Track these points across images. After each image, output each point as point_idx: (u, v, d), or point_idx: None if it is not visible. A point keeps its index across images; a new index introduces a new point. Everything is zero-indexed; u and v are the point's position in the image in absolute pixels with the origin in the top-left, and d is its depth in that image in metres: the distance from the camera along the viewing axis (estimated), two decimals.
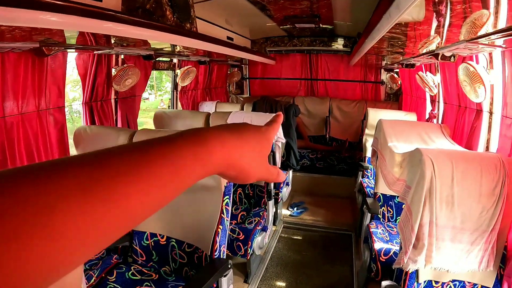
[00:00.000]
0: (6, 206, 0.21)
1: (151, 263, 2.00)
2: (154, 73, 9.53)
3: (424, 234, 1.61)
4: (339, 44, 5.12)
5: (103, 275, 1.87)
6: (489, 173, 1.56)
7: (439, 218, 1.60)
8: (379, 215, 2.68)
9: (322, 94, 5.56)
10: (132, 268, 1.94)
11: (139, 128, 2.95)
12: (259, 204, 2.87)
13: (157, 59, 3.22)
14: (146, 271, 1.94)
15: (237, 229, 2.44)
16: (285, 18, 3.69)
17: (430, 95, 3.38)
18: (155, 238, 1.98)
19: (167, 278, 1.91)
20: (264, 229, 2.72)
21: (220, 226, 1.78)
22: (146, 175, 0.28)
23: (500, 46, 1.72)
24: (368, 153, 3.74)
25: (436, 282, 1.69)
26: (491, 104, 2.21)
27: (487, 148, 2.30)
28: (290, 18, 3.68)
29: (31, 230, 0.21)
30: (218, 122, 2.97)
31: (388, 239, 2.41)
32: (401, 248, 1.77)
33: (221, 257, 1.85)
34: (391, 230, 2.55)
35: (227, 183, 1.77)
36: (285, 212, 4.09)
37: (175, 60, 3.82)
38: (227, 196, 1.80)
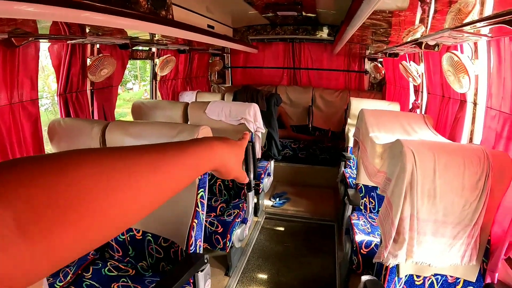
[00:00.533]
0: (117, 170, 0.33)
1: (128, 258, 1.93)
2: (138, 63, 9.30)
3: (404, 228, 1.56)
4: (323, 33, 5.04)
5: (80, 271, 1.80)
6: (472, 166, 1.53)
7: (421, 212, 1.55)
8: (360, 207, 2.65)
9: (305, 84, 5.50)
10: (108, 264, 1.88)
11: (122, 119, 2.84)
12: (238, 196, 2.80)
13: (133, 48, 3.08)
14: (122, 267, 1.87)
15: (216, 222, 2.37)
16: (266, 5, 3.58)
17: (414, 85, 3.35)
18: (131, 233, 1.90)
19: (144, 274, 1.85)
20: (244, 221, 2.67)
21: (195, 220, 1.71)
22: (181, 163, 0.42)
23: (485, 35, 1.67)
24: (351, 143, 3.70)
25: (418, 277, 1.66)
26: (475, 95, 2.18)
27: (471, 139, 2.27)
28: (271, 5, 3.58)
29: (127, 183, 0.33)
30: (197, 112, 2.87)
31: (369, 231, 2.38)
32: (381, 242, 1.73)
33: (197, 251, 1.78)
34: (373, 221, 2.53)
35: (201, 175, 1.69)
36: (267, 202, 4.04)
37: (153, 49, 3.68)
38: (202, 189, 1.72)
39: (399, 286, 1.64)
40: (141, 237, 1.88)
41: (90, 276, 1.78)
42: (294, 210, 3.92)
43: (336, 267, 2.88)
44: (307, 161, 4.70)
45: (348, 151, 3.70)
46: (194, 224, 1.70)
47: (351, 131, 3.75)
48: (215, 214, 2.55)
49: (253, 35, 5.21)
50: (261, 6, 3.63)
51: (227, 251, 2.39)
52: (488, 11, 1.28)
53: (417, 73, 3.01)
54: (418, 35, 2.12)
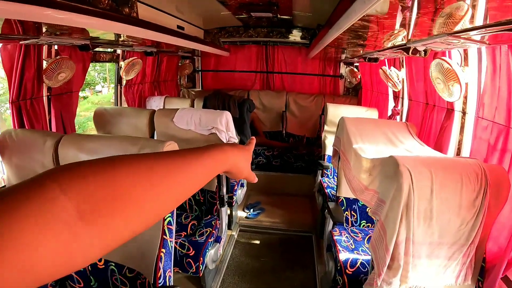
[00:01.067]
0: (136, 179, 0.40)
1: None
2: (108, 65, 8.90)
3: (400, 254, 1.41)
4: (297, 36, 4.91)
5: None
6: (469, 183, 1.39)
7: (416, 235, 1.41)
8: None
9: (278, 88, 5.34)
10: None
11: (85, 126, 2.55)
12: (211, 212, 2.57)
13: (96, 50, 2.80)
14: None
15: (187, 244, 2.14)
16: (240, 5, 3.39)
17: (394, 91, 3.24)
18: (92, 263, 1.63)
19: None
20: (218, 240, 2.45)
21: (163, 250, 1.48)
22: (200, 165, 0.50)
23: (483, 42, 1.54)
24: (328, 151, 3.57)
25: None
26: (465, 103, 2.07)
27: (459, 149, 2.16)
28: (246, 6, 3.39)
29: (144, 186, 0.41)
30: (164, 120, 2.62)
31: (353, 247, 2.23)
32: (372, 267, 1.57)
33: (167, 283, 1.55)
34: (356, 236, 2.38)
35: None
36: (240, 214, 3.83)
37: (118, 51, 3.40)
38: (169, 214, 1.50)
39: None
40: (103, 266, 1.63)
41: None
42: (270, 221, 3.73)
43: (317, 282, 2.72)
44: (282, 169, 4.52)
45: (325, 160, 3.56)
46: (162, 254, 1.47)
47: (328, 139, 3.62)
48: (185, 233, 2.31)
49: (225, 37, 5.03)
50: (235, 7, 3.43)
51: (200, 275, 2.16)
52: (480, 16, 1.20)
53: (398, 79, 2.90)
54: (399, 40, 1.99)
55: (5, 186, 1.93)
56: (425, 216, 1.39)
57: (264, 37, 4.99)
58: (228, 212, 2.80)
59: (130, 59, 3.32)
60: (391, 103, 3.52)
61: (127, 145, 1.45)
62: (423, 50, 2.01)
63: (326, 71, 5.15)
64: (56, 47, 2.48)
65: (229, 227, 3.36)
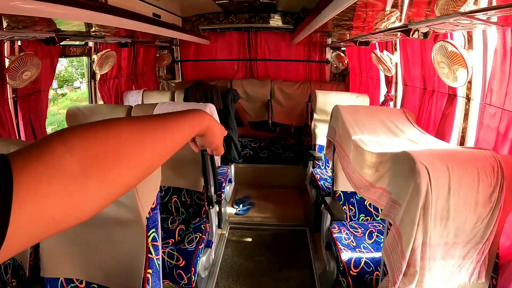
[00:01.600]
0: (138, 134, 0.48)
1: None
2: (85, 60, 8.49)
3: (416, 259, 1.27)
4: (280, 21, 4.70)
5: None
6: (486, 177, 1.26)
7: (432, 237, 1.27)
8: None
9: (262, 76, 5.12)
10: None
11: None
12: (199, 214, 2.38)
13: (64, 44, 2.53)
14: None
15: (176, 253, 1.95)
16: None
17: (386, 76, 3.09)
18: (72, 284, 1.42)
19: None
20: (209, 244, 2.27)
21: (149, 270, 1.29)
22: (177, 127, 0.57)
23: (496, 23, 1.39)
24: (319, 141, 3.41)
25: None
26: (469, 89, 1.92)
27: (463, 138, 2.03)
28: None
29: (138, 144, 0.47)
30: None
31: (354, 244, 2.10)
32: (384, 273, 1.44)
33: None
34: (355, 231, 2.25)
35: (150, 212, 1.27)
36: (230, 210, 3.66)
37: (90, 44, 3.12)
38: (153, 229, 1.31)
39: None
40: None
41: None
42: (261, 216, 3.58)
43: (316, 281, 2.59)
44: (270, 161, 4.34)
45: (316, 150, 3.40)
46: (149, 275, 1.28)
47: (317, 127, 3.46)
48: (173, 240, 2.12)
49: (205, 25, 4.78)
50: None
51: (193, 286, 1.98)
52: None
53: (391, 63, 2.74)
54: (398, 21, 1.83)
55: None
56: (442, 216, 1.26)
57: (245, 23, 4.76)
58: (217, 209, 2.63)
59: (104, 51, 3.05)
60: (382, 89, 3.37)
61: None
62: (423, 32, 1.85)
63: (311, 57, 4.95)
64: (19, 42, 2.22)
65: (219, 225, 3.18)
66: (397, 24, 1.87)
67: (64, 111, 2.61)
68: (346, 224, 2.32)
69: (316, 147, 3.42)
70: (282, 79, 4.96)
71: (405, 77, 2.65)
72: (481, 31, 1.74)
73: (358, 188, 1.75)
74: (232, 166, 3.60)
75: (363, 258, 1.94)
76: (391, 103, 3.02)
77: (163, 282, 1.79)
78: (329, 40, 4.35)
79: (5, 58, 2.10)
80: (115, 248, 1.32)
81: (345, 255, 1.96)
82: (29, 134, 2.31)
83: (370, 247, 2.08)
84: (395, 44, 2.76)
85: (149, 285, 1.29)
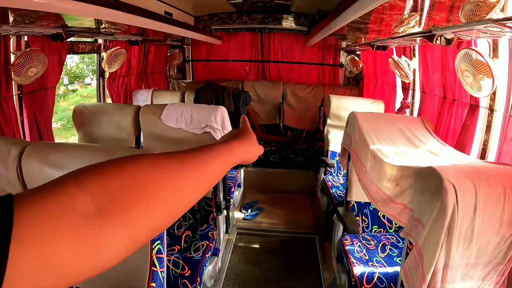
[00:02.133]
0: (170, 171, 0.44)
1: None
2: (96, 56, 8.58)
3: (437, 282, 1.19)
4: (294, 22, 4.61)
5: None
6: None
7: (454, 259, 1.18)
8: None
9: (274, 78, 5.02)
10: None
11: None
12: (206, 220, 2.31)
13: (73, 40, 2.48)
14: None
15: (181, 262, 1.88)
16: None
17: (403, 82, 2.99)
18: None
19: None
20: (216, 252, 2.20)
21: (153, 284, 1.22)
22: (209, 168, 0.50)
23: None
24: (332, 147, 3.32)
25: None
26: (493, 99, 1.82)
27: (484, 151, 1.92)
28: None
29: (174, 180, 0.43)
30: (150, 118, 2.33)
31: (367, 258, 2.01)
32: None
33: None
34: (368, 243, 2.16)
35: None
36: (238, 215, 3.59)
37: (100, 41, 3.07)
38: (158, 241, 1.24)
39: None
40: None
41: None
42: (269, 222, 3.50)
43: None
44: (280, 165, 4.25)
45: (329, 156, 3.31)
46: None
47: (330, 133, 3.38)
48: (179, 247, 2.05)
49: (217, 24, 4.71)
50: None
51: None
52: None
53: (409, 69, 2.64)
54: (421, 26, 1.74)
55: None
56: (466, 237, 1.17)
57: (259, 24, 4.68)
58: (225, 213, 2.56)
59: (113, 49, 3.00)
60: (398, 95, 3.26)
61: (99, 157, 1.16)
62: (448, 39, 1.76)
63: (325, 60, 4.85)
64: (26, 38, 2.17)
65: (226, 230, 3.12)
66: (417, 29, 1.78)
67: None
68: (359, 235, 2.23)
69: (329, 153, 3.33)
70: (294, 81, 4.87)
71: (423, 84, 2.54)
72: (507, 39, 1.64)
73: (375, 201, 1.67)
74: (242, 170, 3.53)
75: (376, 273, 1.86)
76: (407, 111, 2.92)
77: None
78: (344, 44, 4.25)
79: (11, 54, 2.05)
80: None
81: (358, 269, 1.88)
82: (33, 132, 2.26)
83: (383, 261, 2.00)
84: (414, 49, 2.65)
85: None
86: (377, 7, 1.39)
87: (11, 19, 1.60)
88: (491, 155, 1.90)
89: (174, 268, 1.85)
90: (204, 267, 1.93)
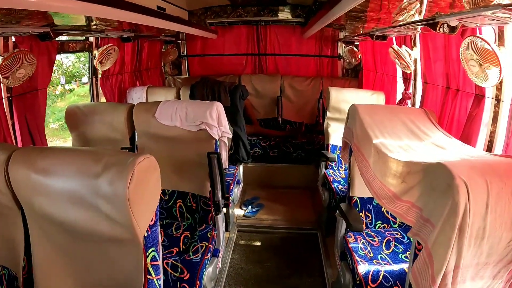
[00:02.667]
0: None
1: None
2: (88, 54, 8.49)
3: (447, 284, 1.12)
4: (290, 14, 4.52)
5: None
6: None
7: (465, 258, 1.11)
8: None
9: (271, 71, 4.95)
10: None
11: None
12: (205, 220, 2.25)
13: (58, 39, 2.39)
14: None
15: (180, 265, 1.81)
16: None
17: (404, 73, 2.91)
18: None
19: None
20: (215, 253, 2.14)
21: None
22: None
23: None
24: (332, 140, 3.26)
25: None
26: (499, 89, 1.75)
27: (490, 142, 1.86)
28: None
29: None
30: (144, 116, 2.25)
31: (371, 255, 1.95)
32: None
33: None
34: (372, 240, 2.10)
35: (148, 230, 1.13)
36: (238, 212, 3.53)
37: (91, 39, 2.98)
38: (153, 248, 1.17)
39: None
40: None
41: None
42: (270, 219, 3.44)
43: None
44: (280, 160, 4.19)
45: (329, 150, 3.25)
46: None
47: (331, 126, 3.31)
48: (177, 249, 1.99)
49: (212, 18, 4.61)
50: None
51: None
52: None
53: (410, 59, 2.57)
54: (414, 13, 1.66)
55: None
56: (477, 236, 1.10)
57: (254, 16, 4.59)
58: (224, 211, 2.50)
59: (105, 46, 2.91)
60: (399, 86, 3.19)
61: (88, 161, 1.08)
62: (452, 26, 1.68)
63: (323, 52, 4.77)
64: (13, 38, 2.09)
65: (226, 228, 3.06)
66: (419, 17, 1.70)
67: None
68: (362, 232, 2.17)
69: (329, 147, 3.27)
70: (292, 74, 4.79)
71: (425, 74, 2.47)
72: None
73: (379, 198, 1.60)
74: (241, 167, 3.47)
75: (381, 271, 1.80)
76: (409, 102, 2.85)
77: None
78: (342, 34, 4.17)
79: None
80: (111, 267, 1.19)
81: (362, 268, 1.82)
82: (25, 136, 2.19)
83: (388, 258, 1.94)
84: (414, 38, 2.58)
85: None
86: None
87: None
88: (498, 147, 1.84)
89: (172, 272, 1.78)
90: (204, 270, 1.87)
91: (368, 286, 1.74)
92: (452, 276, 1.12)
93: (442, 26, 1.65)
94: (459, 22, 1.61)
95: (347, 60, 4.62)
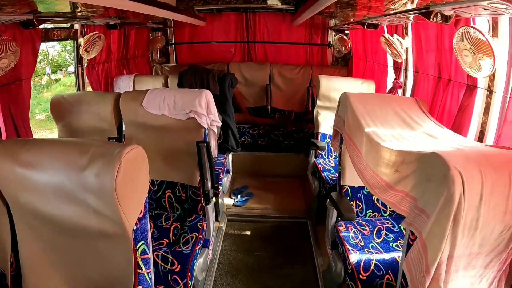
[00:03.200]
0: None
1: None
2: (73, 42, 8.26)
3: (441, 274, 1.13)
4: (280, 1, 4.46)
5: None
6: None
7: (458, 248, 1.12)
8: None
9: (261, 59, 4.88)
10: None
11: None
12: (195, 210, 2.22)
13: (42, 26, 2.30)
14: None
15: (170, 257, 1.79)
16: None
17: (394, 61, 2.90)
18: None
19: None
20: (206, 244, 2.12)
21: (140, 287, 1.13)
22: None
23: None
24: (322, 129, 3.26)
25: None
26: (491, 80, 1.75)
27: (482, 133, 1.86)
28: None
29: None
30: (131, 105, 2.19)
31: (362, 244, 1.96)
32: (402, 285, 1.29)
33: None
34: (363, 229, 2.11)
35: (137, 223, 1.10)
36: (227, 201, 3.51)
37: (77, 26, 2.87)
38: (142, 242, 1.14)
39: None
40: None
41: None
42: (260, 208, 3.44)
43: (319, 279, 2.46)
44: (269, 149, 4.17)
45: (319, 138, 3.24)
46: None
47: (320, 115, 3.30)
48: (168, 241, 1.96)
49: (200, 5, 4.51)
50: None
51: None
52: None
53: (401, 48, 2.55)
54: (406, 1, 1.64)
55: None
56: (470, 227, 1.10)
57: (243, 3, 4.50)
58: (214, 201, 2.48)
59: (90, 34, 2.81)
60: (389, 75, 3.18)
61: (74, 153, 1.04)
62: (446, 16, 1.66)
63: (313, 40, 4.72)
64: None
65: (216, 218, 3.04)
66: (411, 6, 1.68)
67: None
68: (353, 221, 2.17)
69: (319, 135, 3.26)
70: (281, 62, 4.73)
71: (417, 64, 2.46)
72: (507, 18, 1.56)
73: (372, 188, 1.59)
74: (230, 155, 3.44)
75: (372, 260, 1.80)
76: (400, 91, 2.85)
77: None
78: (332, 22, 4.12)
79: None
80: (101, 262, 1.15)
81: (354, 257, 1.83)
82: (9, 128, 2.11)
83: (379, 247, 1.95)
84: (406, 27, 2.56)
85: None
86: None
87: None
88: (490, 137, 1.84)
89: (163, 264, 1.76)
90: (195, 261, 1.85)
91: (360, 275, 1.75)
92: (445, 266, 1.13)
93: (436, 15, 1.63)
94: (454, 12, 1.59)
95: (337, 49, 4.59)
